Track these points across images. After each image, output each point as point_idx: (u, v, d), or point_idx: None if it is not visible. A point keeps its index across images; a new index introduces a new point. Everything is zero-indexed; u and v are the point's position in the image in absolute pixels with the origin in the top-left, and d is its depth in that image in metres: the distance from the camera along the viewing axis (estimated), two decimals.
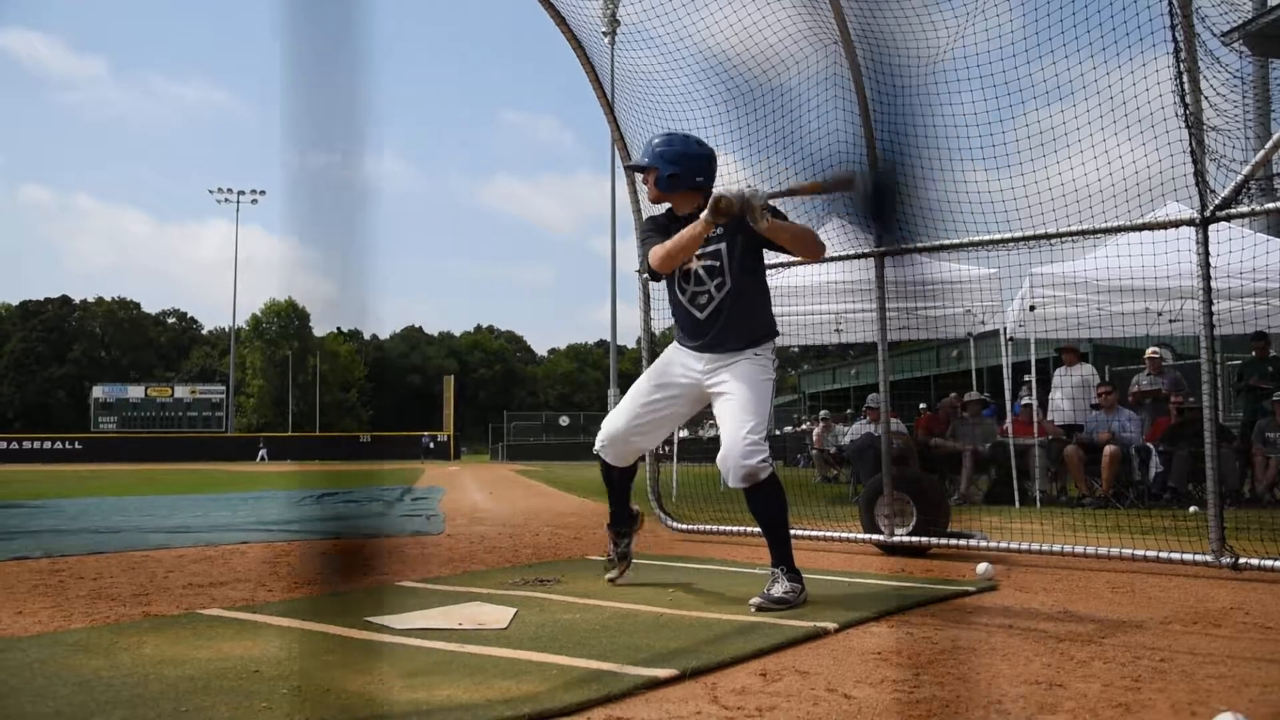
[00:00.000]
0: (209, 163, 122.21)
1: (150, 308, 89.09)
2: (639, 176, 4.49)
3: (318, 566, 4.91)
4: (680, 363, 4.06)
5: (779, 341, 4.12)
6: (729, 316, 3.92)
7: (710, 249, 3.93)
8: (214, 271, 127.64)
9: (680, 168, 3.99)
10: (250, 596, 3.92)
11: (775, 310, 4.09)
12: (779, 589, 3.63)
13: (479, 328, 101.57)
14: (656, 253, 3.89)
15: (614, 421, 4.15)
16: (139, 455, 40.12)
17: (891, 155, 5.23)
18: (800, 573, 3.74)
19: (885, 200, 4.05)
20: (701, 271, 3.96)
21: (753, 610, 3.53)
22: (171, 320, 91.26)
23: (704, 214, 3.70)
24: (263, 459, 42.89)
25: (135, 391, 54.93)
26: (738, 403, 3.81)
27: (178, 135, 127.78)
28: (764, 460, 3.72)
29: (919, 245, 5.59)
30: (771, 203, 3.76)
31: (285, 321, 74.06)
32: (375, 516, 8.28)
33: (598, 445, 4.23)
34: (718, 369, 3.92)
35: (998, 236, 5.12)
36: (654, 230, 4.04)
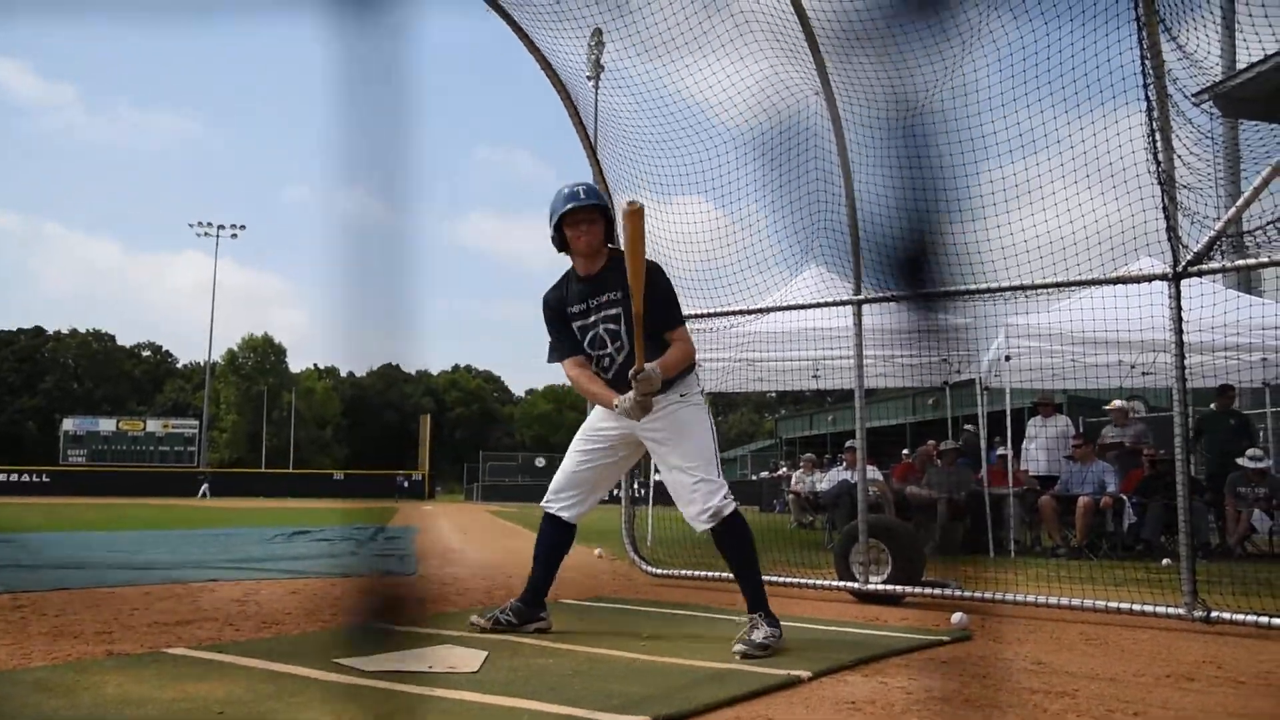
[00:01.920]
0: (187, 195, 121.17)
1: (125, 340, 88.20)
2: (582, 222, 3.96)
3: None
4: (608, 415, 4.04)
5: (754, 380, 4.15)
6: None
7: (612, 312, 3.96)
8: (189, 305, 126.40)
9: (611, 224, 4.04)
10: (217, 635, 3.85)
11: (751, 355, 4.12)
12: (760, 634, 3.61)
13: (456, 367, 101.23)
14: (574, 377, 4.03)
15: (558, 479, 4.19)
16: (103, 489, 39.24)
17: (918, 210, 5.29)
18: (776, 617, 3.73)
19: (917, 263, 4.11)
20: (604, 334, 4.01)
21: (737, 657, 3.50)
22: (146, 353, 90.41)
23: (626, 404, 3.74)
24: (204, 495, 41.13)
25: (106, 425, 54.09)
26: (679, 450, 3.86)
27: (156, 167, 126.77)
28: (725, 497, 3.77)
29: (894, 294, 5.64)
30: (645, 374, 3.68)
31: (261, 356, 73.58)
32: (344, 556, 8.17)
33: (546, 499, 4.17)
34: (652, 417, 3.86)
35: (974, 287, 5.17)
36: (555, 321, 4.08)
